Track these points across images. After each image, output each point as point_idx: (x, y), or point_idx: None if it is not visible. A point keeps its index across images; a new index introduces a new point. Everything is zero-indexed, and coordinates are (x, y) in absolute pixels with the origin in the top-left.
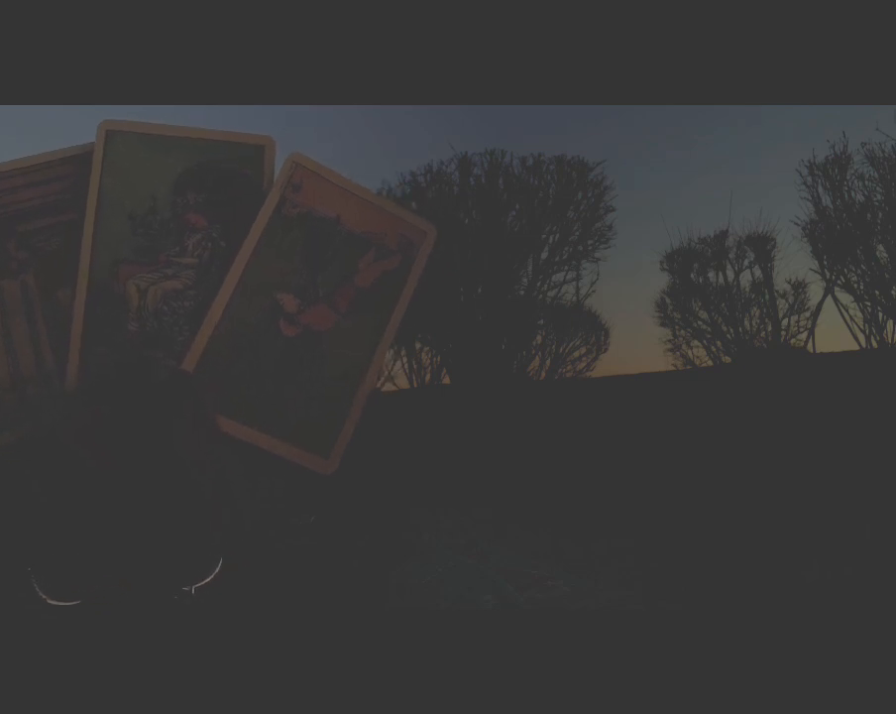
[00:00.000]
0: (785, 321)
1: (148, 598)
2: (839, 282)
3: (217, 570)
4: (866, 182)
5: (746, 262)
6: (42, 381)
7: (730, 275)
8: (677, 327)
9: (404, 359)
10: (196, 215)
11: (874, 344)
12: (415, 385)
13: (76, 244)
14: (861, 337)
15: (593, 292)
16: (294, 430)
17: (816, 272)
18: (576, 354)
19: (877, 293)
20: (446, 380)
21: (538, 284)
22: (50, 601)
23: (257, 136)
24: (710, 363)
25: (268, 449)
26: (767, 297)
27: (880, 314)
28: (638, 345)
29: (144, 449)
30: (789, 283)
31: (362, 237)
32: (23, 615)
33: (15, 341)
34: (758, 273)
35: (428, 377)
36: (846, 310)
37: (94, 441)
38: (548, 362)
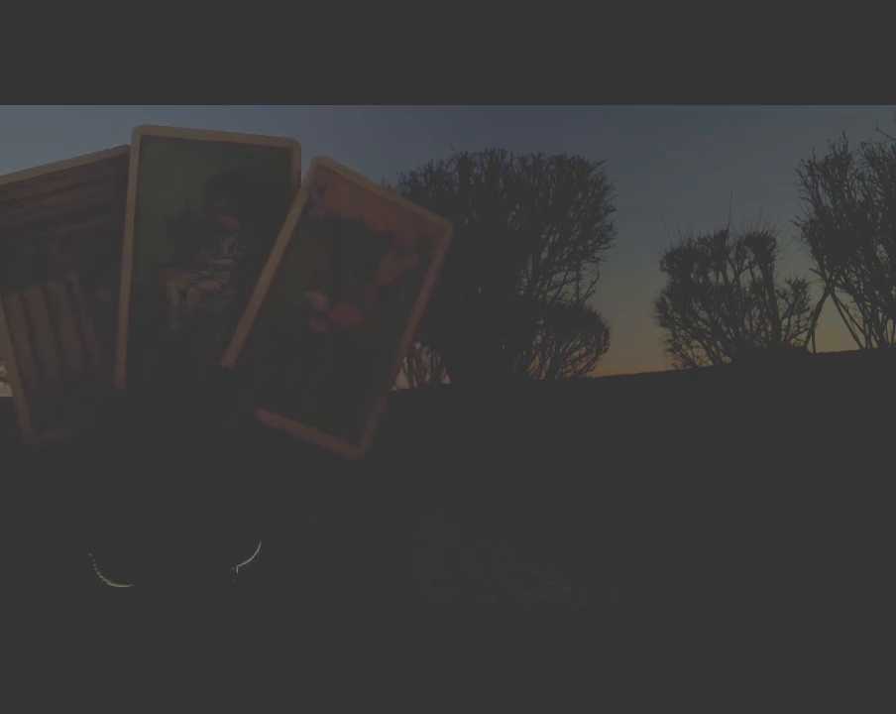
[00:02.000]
0: (785, 321)
1: (195, 579)
2: (839, 282)
3: (257, 552)
4: (866, 182)
5: (746, 262)
6: (91, 378)
7: (730, 275)
8: (677, 327)
9: (405, 359)
10: (230, 218)
11: (874, 344)
12: (415, 385)
13: (117, 245)
14: (861, 337)
15: (593, 292)
16: (325, 420)
17: (816, 272)
18: (576, 354)
19: (877, 293)
20: (446, 380)
21: (538, 284)
22: (110, 584)
23: (283, 139)
24: (710, 363)
25: (301, 437)
26: (767, 296)
27: (880, 314)
28: (638, 345)
29: (186, 446)
30: (789, 283)
31: (383, 236)
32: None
33: (64, 340)
34: (758, 273)
35: (428, 377)
36: (846, 310)
37: (142, 441)
38: (548, 362)
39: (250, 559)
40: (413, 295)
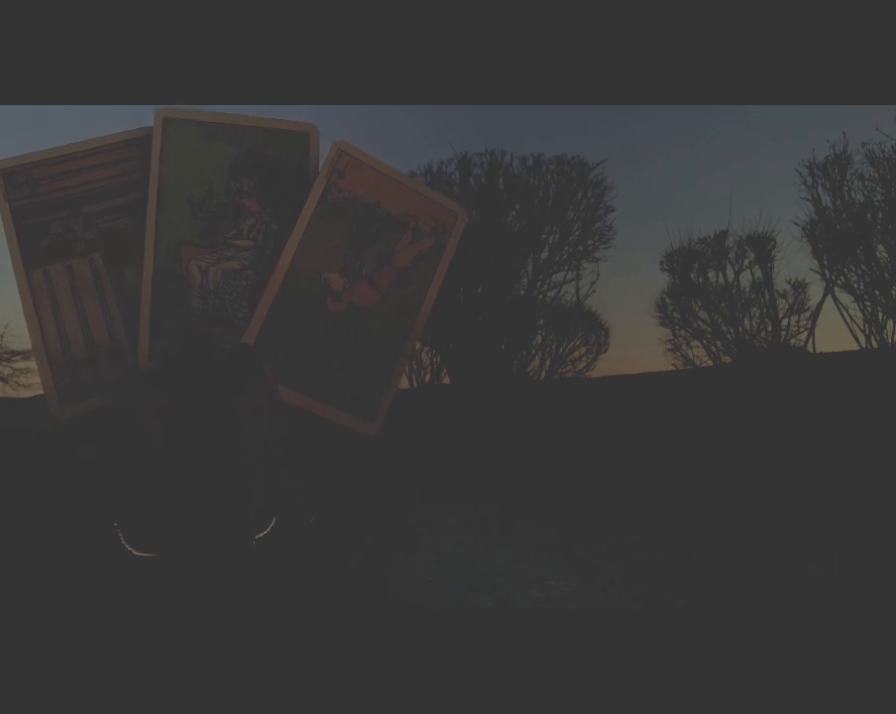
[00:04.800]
0: (785, 321)
1: (216, 550)
2: (839, 282)
3: (272, 525)
4: (866, 182)
5: (746, 262)
6: (116, 355)
7: (730, 275)
8: (677, 327)
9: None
10: (250, 200)
11: (874, 344)
12: (415, 385)
13: (139, 224)
14: (861, 337)
15: (593, 292)
16: (342, 397)
17: (816, 272)
18: (576, 354)
19: (877, 293)
20: (446, 380)
21: (538, 284)
22: (134, 553)
23: (301, 123)
24: (710, 363)
25: (319, 414)
26: (767, 296)
27: (880, 314)
28: (638, 345)
29: (209, 420)
30: (789, 283)
31: (399, 220)
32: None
33: (88, 316)
34: (758, 273)
35: (428, 377)
36: (846, 310)
37: (165, 415)
38: (548, 362)
39: (266, 531)
40: (428, 277)
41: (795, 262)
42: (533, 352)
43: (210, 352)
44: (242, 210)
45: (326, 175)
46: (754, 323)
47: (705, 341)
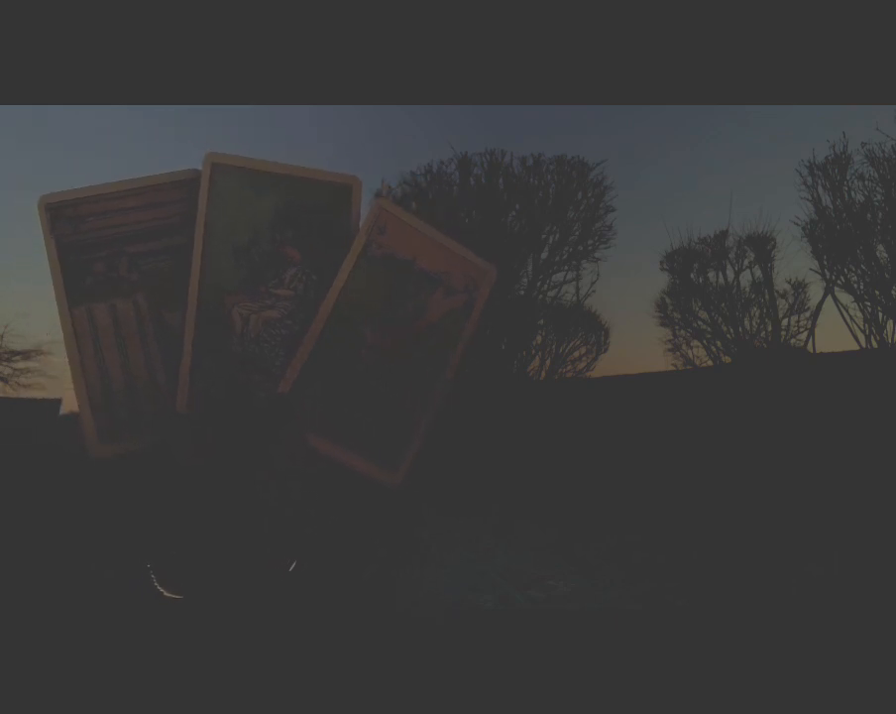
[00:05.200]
0: (785, 321)
1: (244, 590)
2: (839, 282)
3: (294, 565)
4: (866, 182)
5: (746, 262)
6: (155, 396)
7: (731, 275)
8: (677, 327)
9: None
10: (293, 249)
11: (874, 344)
12: None
13: (183, 268)
14: (861, 337)
15: (593, 292)
16: (368, 447)
17: (816, 272)
18: (576, 354)
19: (877, 293)
20: None
21: (538, 284)
22: (166, 594)
23: (345, 175)
24: (710, 363)
25: (346, 464)
26: (767, 296)
27: (880, 314)
28: (638, 345)
29: (245, 465)
30: (789, 283)
31: (433, 276)
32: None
33: (130, 358)
34: (758, 273)
35: None
36: (846, 310)
37: (202, 458)
38: (548, 362)
39: (290, 570)
40: (457, 334)
41: (795, 262)
42: (533, 352)
43: (250, 399)
44: (284, 260)
45: (367, 231)
46: (754, 323)
47: (705, 341)
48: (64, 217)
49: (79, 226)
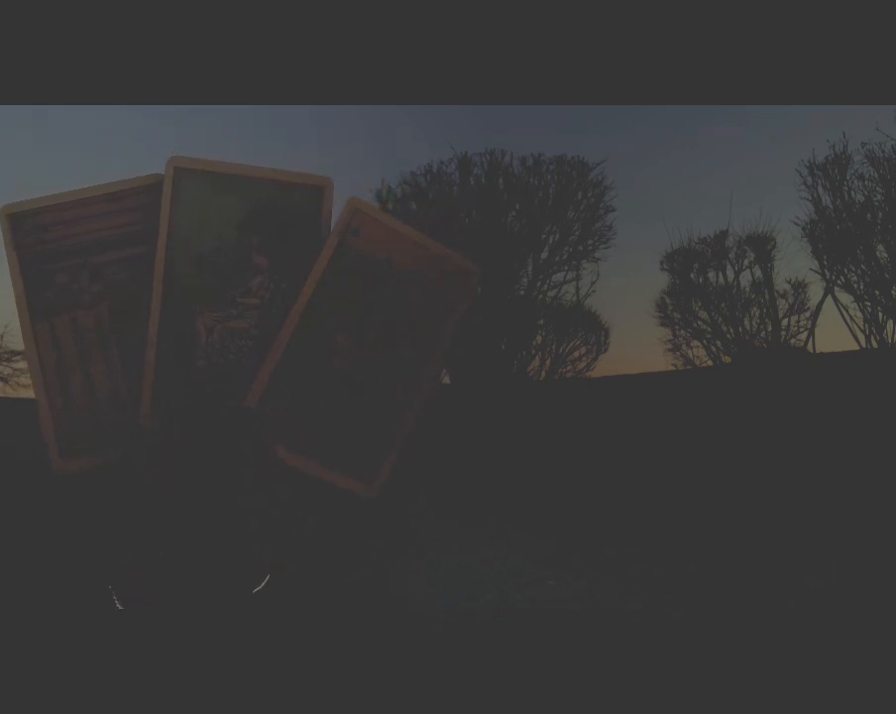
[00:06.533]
0: (785, 321)
1: (208, 604)
2: (839, 282)
3: (266, 581)
4: (866, 182)
5: (746, 262)
6: (117, 409)
7: (730, 275)
8: (677, 327)
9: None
10: (260, 256)
11: (874, 344)
12: None
13: (146, 278)
14: (861, 337)
15: (593, 292)
16: (341, 460)
17: (816, 272)
18: (576, 354)
19: (877, 293)
20: (446, 380)
21: (538, 284)
22: (121, 608)
23: (316, 176)
24: (710, 363)
25: (318, 476)
26: (767, 297)
27: (880, 314)
28: (638, 345)
29: (207, 479)
30: (789, 283)
31: (410, 277)
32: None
33: (92, 372)
34: (758, 273)
35: None
36: (846, 310)
37: (164, 471)
38: (548, 362)
39: (261, 586)
40: (437, 335)
41: (795, 262)
42: (533, 352)
43: (215, 411)
44: (251, 267)
45: (339, 233)
46: (754, 323)
47: (705, 341)
48: (27, 228)
49: (42, 236)
